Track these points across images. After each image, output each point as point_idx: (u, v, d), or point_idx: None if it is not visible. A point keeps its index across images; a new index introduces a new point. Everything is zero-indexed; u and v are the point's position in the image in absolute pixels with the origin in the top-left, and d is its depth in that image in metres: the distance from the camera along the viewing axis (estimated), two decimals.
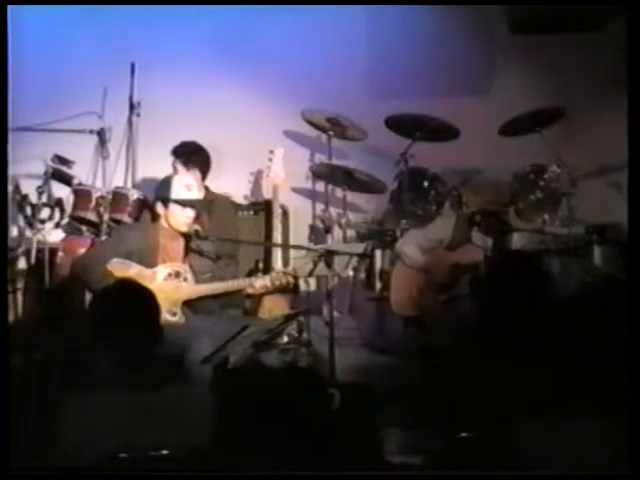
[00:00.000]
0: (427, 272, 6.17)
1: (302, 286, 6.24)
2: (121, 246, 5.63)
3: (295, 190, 7.46)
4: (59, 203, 6.37)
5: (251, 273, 6.07)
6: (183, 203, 5.64)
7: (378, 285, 7.09)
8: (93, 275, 5.45)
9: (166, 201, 5.66)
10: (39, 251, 6.29)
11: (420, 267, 6.19)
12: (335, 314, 5.82)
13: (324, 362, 5.56)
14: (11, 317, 6.20)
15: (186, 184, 5.73)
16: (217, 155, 6.64)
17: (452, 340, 5.25)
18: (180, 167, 6.39)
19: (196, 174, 6.31)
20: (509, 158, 7.14)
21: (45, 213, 6.34)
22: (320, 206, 7.43)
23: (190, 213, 5.65)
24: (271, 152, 6.36)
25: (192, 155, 6.43)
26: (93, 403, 3.57)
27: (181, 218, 5.64)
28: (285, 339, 5.65)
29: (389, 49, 7.62)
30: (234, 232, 6.39)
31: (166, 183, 5.74)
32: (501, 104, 7.39)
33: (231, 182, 7.12)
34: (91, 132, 6.52)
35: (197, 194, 5.73)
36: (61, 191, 6.46)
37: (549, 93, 7.51)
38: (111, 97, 7.00)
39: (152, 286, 4.71)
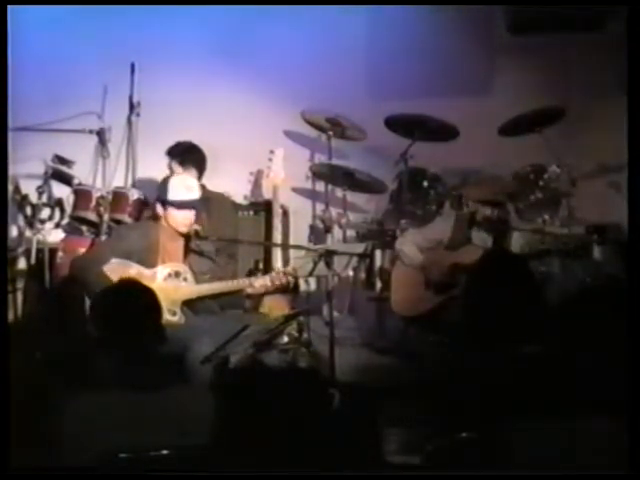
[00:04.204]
0: (427, 272, 6.17)
1: (302, 286, 6.25)
2: (121, 246, 5.63)
3: (295, 190, 7.46)
4: (59, 203, 6.37)
5: (251, 273, 6.07)
6: (180, 205, 5.62)
7: (378, 285, 7.09)
8: (91, 275, 5.44)
9: (164, 202, 5.65)
10: (39, 251, 6.29)
11: (419, 266, 6.19)
12: (335, 314, 5.83)
13: (324, 362, 5.57)
14: (11, 317, 6.20)
15: (186, 185, 5.70)
16: (217, 155, 6.64)
17: (452, 340, 5.26)
18: (176, 167, 6.39)
19: (192, 173, 6.31)
20: (509, 158, 7.15)
21: (45, 213, 6.35)
22: (320, 206, 7.43)
23: (190, 214, 5.64)
24: (271, 152, 6.37)
25: (187, 155, 6.42)
26: (93, 403, 3.57)
27: (180, 219, 5.62)
28: (285, 339, 5.66)
29: (389, 49, 7.62)
30: (233, 231, 6.39)
31: (164, 184, 5.73)
32: (501, 104, 7.40)
33: (231, 182, 7.12)
34: (91, 132, 6.52)
35: (197, 195, 5.72)
36: (61, 191, 6.46)
37: (549, 93, 7.52)
38: (111, 97, 7.00)
39: (152, 286, 4.69)
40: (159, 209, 5.69)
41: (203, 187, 6.37)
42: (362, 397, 5.19)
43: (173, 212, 5.63)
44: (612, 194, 7.17)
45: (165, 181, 5.75)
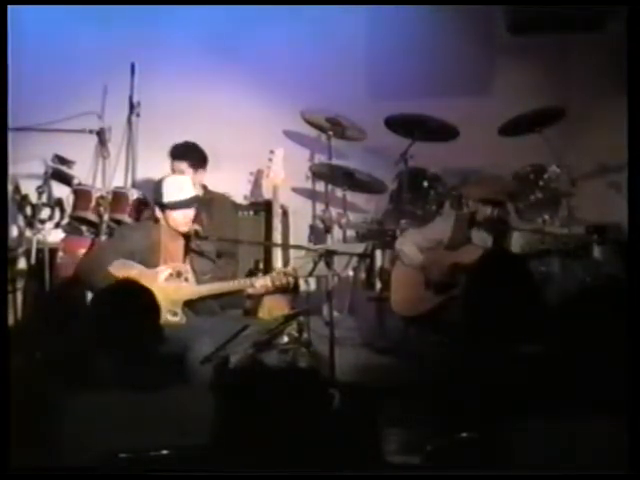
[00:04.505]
0: (427, 272, 6.16)
1: (302, 286, 6.24)
2: (124, 246, 5.63)
3: (295, 190, 7.46)
4: (59, 203, 6.37)
5: (251, 273, 6.07)
6: (176, 205, 5.62)
7: (378, 285, 7.09)
8: (97, 276, 5.44)
9: (161, 205, 5.65)
10: (39, 251, 6.29)
11: (419, 266, 6.19)
12: (335, 314, 5.83)
13: (324, 362, 5.57)
14: (11, 317, 6.20)
15: (178, 185, 5.69)
16: (217, 155, 6.63)
17: (452, 340, 5.26)
18: (177, 168, 6.38)
19: (194, 174, 6.30)
20: (509, 158, 7.15)
21: (45, 213, 6.35)
22: (320, 206, 7.42)
23: (188, 212, 5.64)
24: (271, 152, 6.37)
25: (188, 154, 6.40)
26: (93, 403, 3.57)
27: (179, 219, 5.62)
28: (285, 339, 5.66)
29: (389, 49, 7.62)
30: (234, 231, 6.38)
31: (158, 187, 5.72)
32: (501, 104, 7.41)
33: (231, 182, 7.11)
34: (91, 132, 6.52)
35: (191, 192, 5.71)
36: (61, 191, 6.46)
37: (549, 93, 7.52)
38: (111, 97, 7.00)
39: (153, 286, 4.70)
40: (158, 212, 5.69)
41: (204, 187, 6.38)
42: (362, 397, 5.19)
43: (171, 213, 5.63)
44: (612, 194, 7.17)
45: (159, 184, 5.74)
